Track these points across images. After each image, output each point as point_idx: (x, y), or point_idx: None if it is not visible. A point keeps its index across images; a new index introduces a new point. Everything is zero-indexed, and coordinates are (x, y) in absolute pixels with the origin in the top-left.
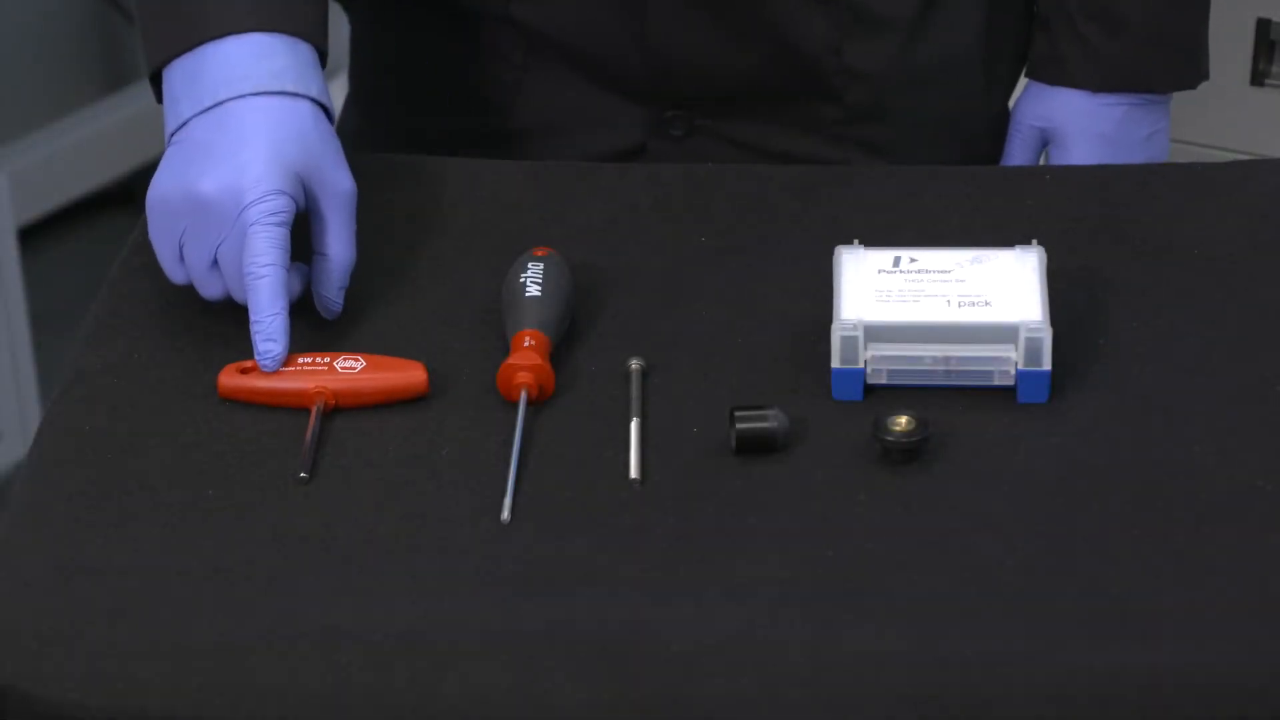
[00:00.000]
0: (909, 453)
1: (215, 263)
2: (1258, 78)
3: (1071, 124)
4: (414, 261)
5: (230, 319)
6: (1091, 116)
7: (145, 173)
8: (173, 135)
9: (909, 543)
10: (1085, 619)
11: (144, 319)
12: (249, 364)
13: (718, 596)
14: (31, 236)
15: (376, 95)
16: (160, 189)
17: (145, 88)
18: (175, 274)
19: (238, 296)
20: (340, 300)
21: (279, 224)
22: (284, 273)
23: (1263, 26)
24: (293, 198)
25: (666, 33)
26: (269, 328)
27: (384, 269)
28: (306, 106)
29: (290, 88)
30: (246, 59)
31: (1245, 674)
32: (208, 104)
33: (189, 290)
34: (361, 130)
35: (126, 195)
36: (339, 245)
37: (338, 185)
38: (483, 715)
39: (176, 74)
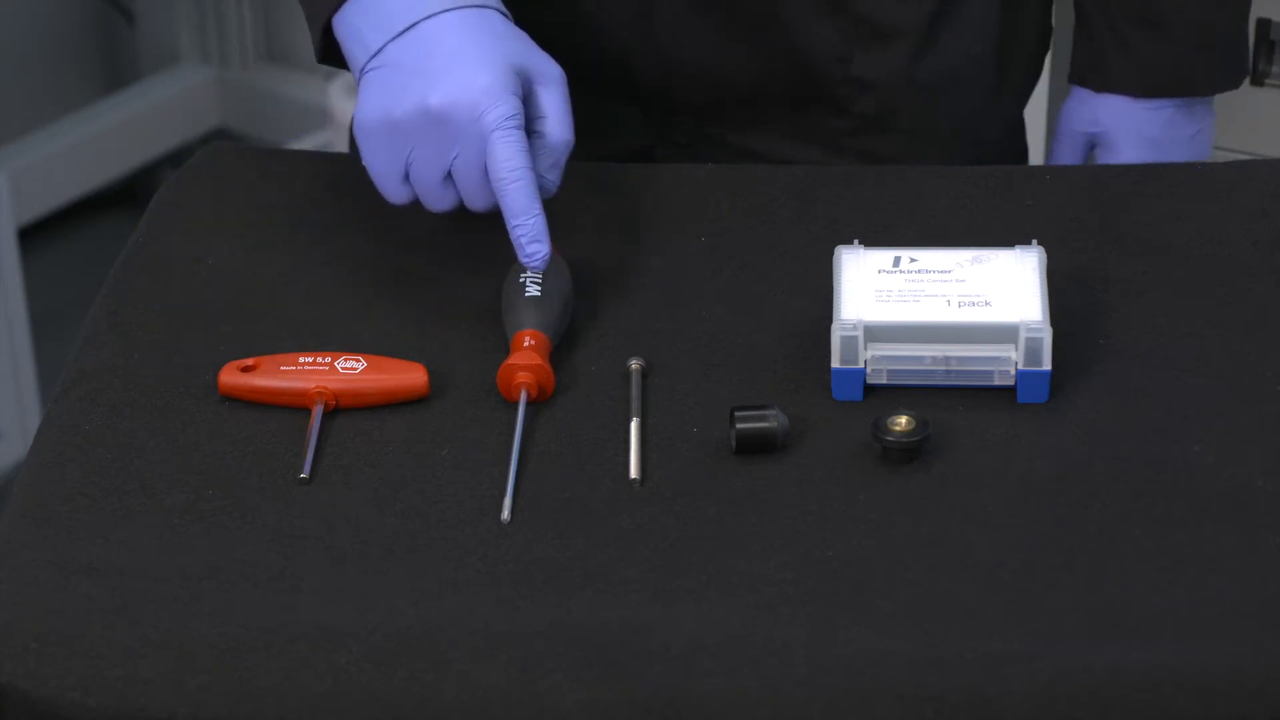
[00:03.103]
0: (909, 453)
1: (447, 176)
2: (1258, 78)
3: (1118, 128)
4: (414, 261)
5: (230, 319)
6: (1138, 120)
7: (145, 173)
8: (365, 66)
9: (909, 543)
10: (1085, 619)
11: (144, 319)
12: (250, 362)
13: (718, 596)
14: (31, 236)
15: None
16: (374, 114)
17: (145, 88)
18: (397, 195)
19: (475, 205)
20: (556, 179)
21: (518, 127)
22: (533, 175)
23: (1263, 26)
24: (521, 99)
25: (674, 40)
26: (533, 229)
27: (384, 269)
28: (492, 14)
29: (475, 1)
30: None
31: (1245, 674)
32: (400, 28)
33: (189, 290)
34: None
35: (127, 195)
36: (557, 125)
37: (550, 72)
38: (483, 715)
39: (354, 11)
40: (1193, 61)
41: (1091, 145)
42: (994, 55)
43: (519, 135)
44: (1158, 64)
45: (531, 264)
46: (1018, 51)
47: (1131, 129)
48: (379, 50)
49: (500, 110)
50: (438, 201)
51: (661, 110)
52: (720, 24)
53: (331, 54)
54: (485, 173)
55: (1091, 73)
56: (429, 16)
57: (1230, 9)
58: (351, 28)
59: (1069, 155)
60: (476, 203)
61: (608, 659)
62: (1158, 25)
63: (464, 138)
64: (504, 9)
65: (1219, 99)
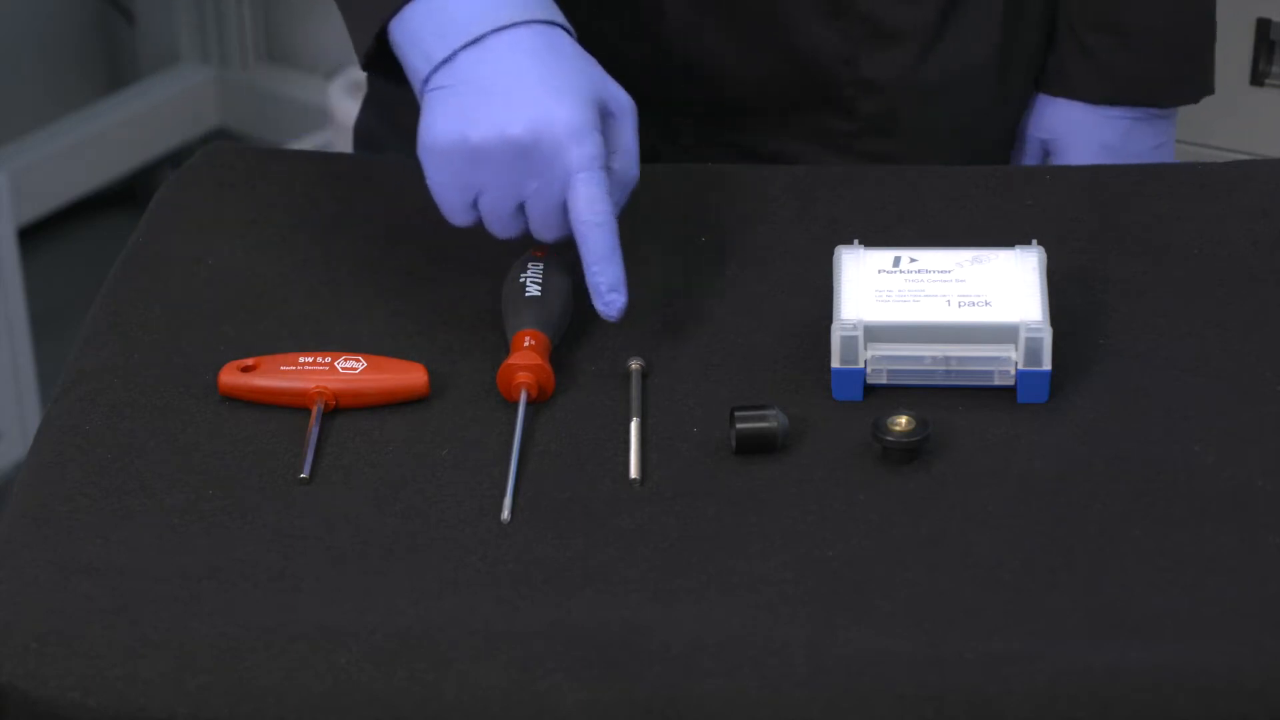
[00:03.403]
0: (909, 453)
1: (519, 206)
2: (1258, 78)
3: (1073, 135)
4: (414, 261)
5: (230, 319)
6: (1094, 128)
7: (145, 173)
8: (430, 78)
9: (909, 543)
10: (1085, 619)
11: (144, 319)
12: (250, 362)
13: (718, 596)
14: (31, 236)
15: (394, 98)
16: (447, 136)
17: (145, 88)
18: (462, 219)
19: (545, 237)
20: (617, 215)
21: (603, 167)
22: (615, 219)
23: (1263, 26)
24: (604, 134)
25: (681, 41)
26: (613, 277)
27: (384, 269)
28: (561, 33)
29: (541, 15)
30: None
31: (1245, 674)
32: (466, 40)
33: (189, 290)
34: (378, 133)
35: (127, 195)
36: (628, 162)
37: (622, 102)
38: (483, 715)
39: (415, 18)
40: (1153, 72)
41: (1046, 152)
42: (997, 58)
43: (604, 176)
44: (1117, 72)
45: (608, 312)
46: (1020, 55)
47: (1085, 136)
48: (445, 61)
49: (586, 149)
50: (504, 230)
51: (666, 113)
52: (726, 26)
53: (378, 61)
54: (562, 208)
55: (1050, 78)
56: (498, 30)
57: (1196, 22)
58: (413, 36)
59: (1027, 162)
60: (547, 235)
61: (608, 659)
62: (1120, 33)
63: (545, 172)
64: (568, 24)
65: (1220, 98)
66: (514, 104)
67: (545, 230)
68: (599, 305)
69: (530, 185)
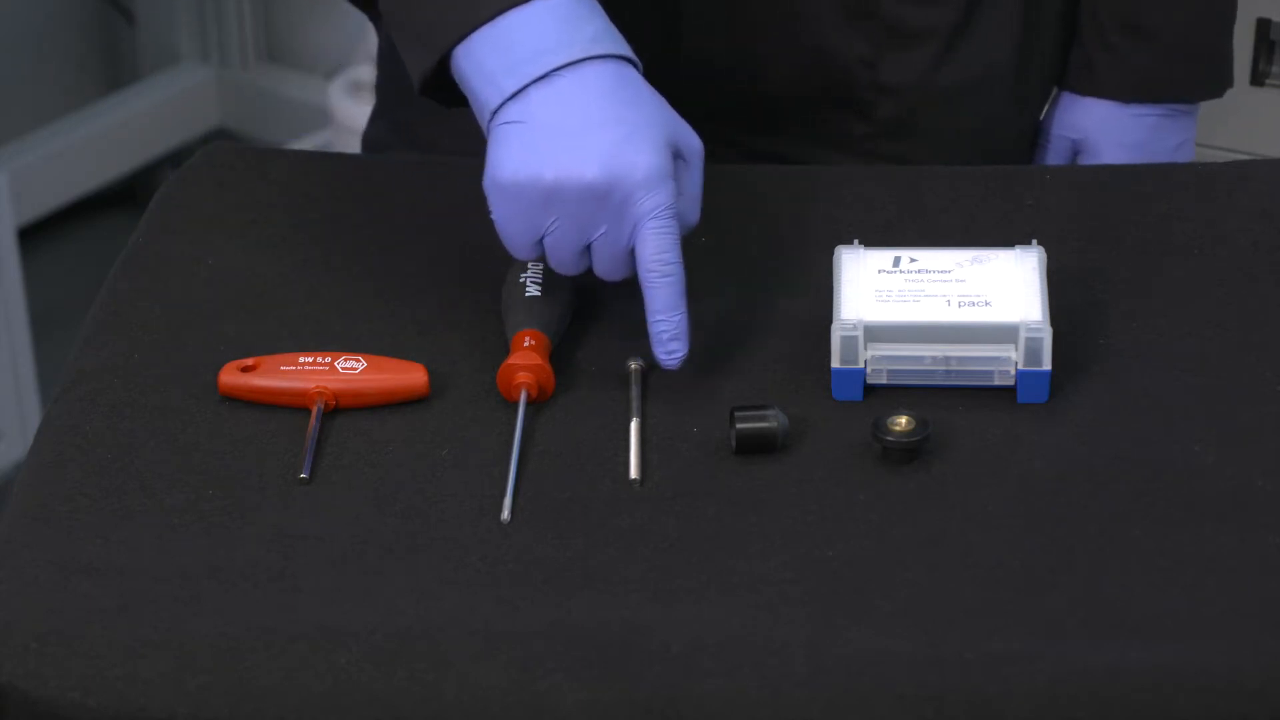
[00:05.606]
0: (909, 453)
1: (585, 246)
2: (1258, 78)
3: (1102, 134)
4: (414, 261)
5: (230, 319)
6: (1121, 126)
7: (145, 173)
8: (499, 111)
9: (909, 543)
10: (1085, 619)
11: (144, 319)
12: (250, 362)
13: (718, 596)
14: (31, 236)
15: (403, 104)
16: (518, 175)
17: (145, 88)
18: (525, 253)
19: (610, 278)
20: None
21: (673, 216)
22: (683, 269)
23: (1263, 26)
24: (676, 179)
25: (699, 44)
26: (676, 327)
27: (384, 269)
28: (632, 70)
29: (612, 50)
30: (561, 23)
31: (1245, 674)
32: (537, 74)
33: (189, 290)
34: (388, 143)
35: (127, 195)
36: (690, 207)
37: (694, 146)
38: (483, 715)
39: (482, 48)
40: (1178, 68)
41: (1075, 152)
42: (1016, 60)
43: (674, 225)
44: (1143, 69)
45: (669, 361)
46: (1038, 56)
47: (1114, 135)
48: (516, 95)
49: (659, 198)
50: (568, 268)
51: (683, 115)
52: (746, 30)
53: (436, 85)
54: (629, 252)
55: (1078, 77)
56: (570, 64)
57: (1215, 19)
58: (480, 66)
59: (1054, 161)
60: (612, 277)
61: (608, 659)
62: (1144, 32)
63: (616, 217)
64: (636, 58)
65: (1220, 98)
66: (589, 146)
67: (610, 273)
68: (659, 353)
69: (599, 228)
